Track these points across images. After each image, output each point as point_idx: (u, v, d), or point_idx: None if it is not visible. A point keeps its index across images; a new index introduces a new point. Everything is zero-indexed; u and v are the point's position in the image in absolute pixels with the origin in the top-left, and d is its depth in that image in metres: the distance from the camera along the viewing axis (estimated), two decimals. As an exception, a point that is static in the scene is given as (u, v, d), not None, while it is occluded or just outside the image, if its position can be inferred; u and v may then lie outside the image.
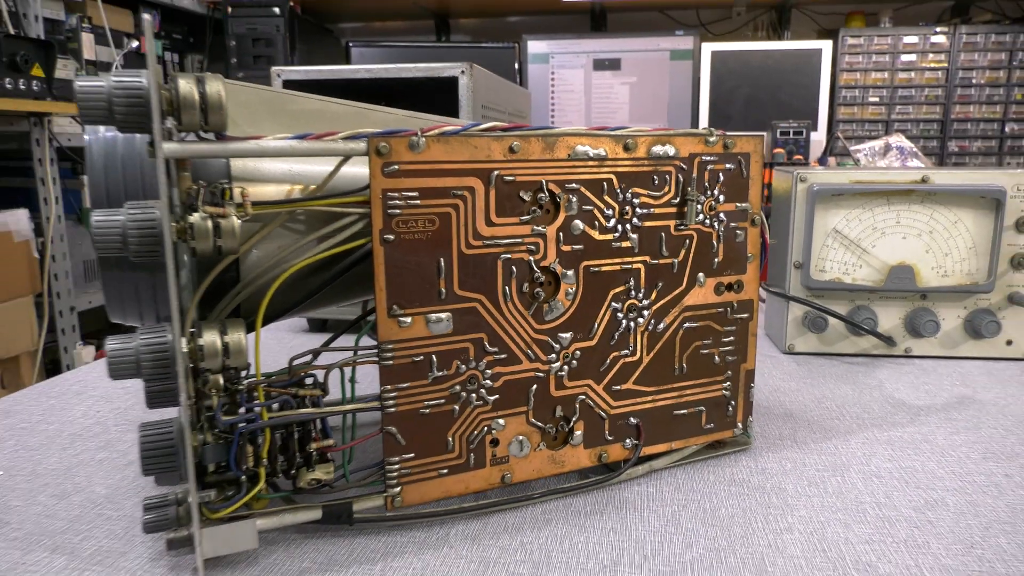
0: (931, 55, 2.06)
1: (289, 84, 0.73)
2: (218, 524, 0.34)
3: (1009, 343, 0.68)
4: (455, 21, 2.52)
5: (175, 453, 0.34)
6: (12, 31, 1.46)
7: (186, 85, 0.30)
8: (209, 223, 0.31)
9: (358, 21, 2.51)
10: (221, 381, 0.33)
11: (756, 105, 2.14)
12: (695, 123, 2.20)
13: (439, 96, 0.71)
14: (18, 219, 1.53)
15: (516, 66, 2.21)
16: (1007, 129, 2.08)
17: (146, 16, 0.29)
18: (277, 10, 1.96)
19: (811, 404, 0.57)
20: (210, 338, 0.32)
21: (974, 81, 2.06)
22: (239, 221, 0.32)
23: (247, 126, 0.36)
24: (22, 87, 1.43)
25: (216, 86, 0.30)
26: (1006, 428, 0.52)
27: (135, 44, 1.94)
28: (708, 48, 2.15)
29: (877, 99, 2.11)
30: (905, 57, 2.07)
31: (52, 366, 1.72)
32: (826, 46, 2.10)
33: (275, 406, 0.35)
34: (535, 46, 2.25)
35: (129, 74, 0.30)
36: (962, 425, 0.52)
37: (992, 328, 0.66)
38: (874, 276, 0.68)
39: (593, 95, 2.25)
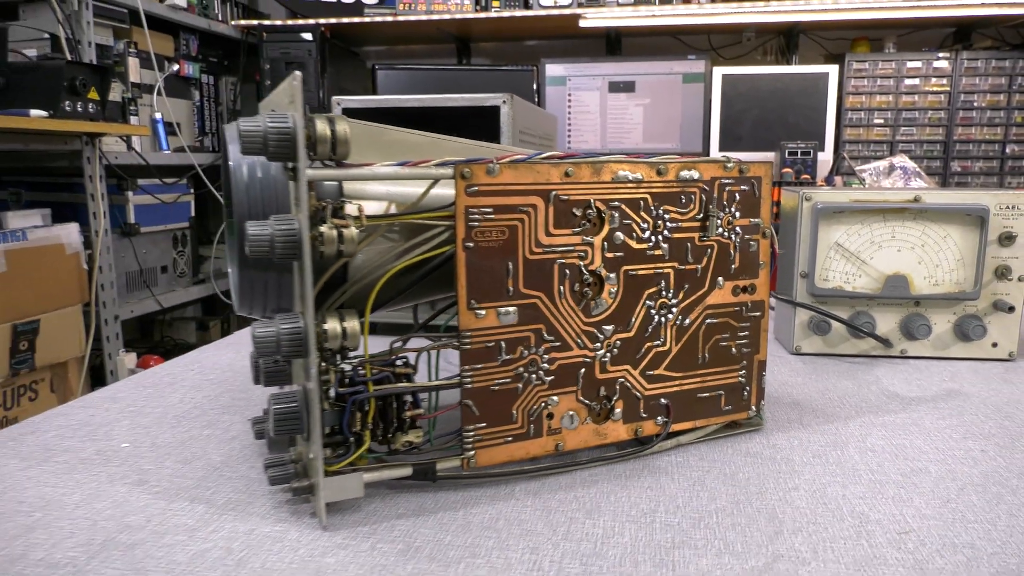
0: (934, 79, 2.14)
1: (348, 112, 0.82)
2: (332, 476, 0.42)
3: (994, 345, 0.75)
4: (476, 45, 2.62)
5: (299, 417, 0.42)
6: (70, 57, 1.57)
7: (321, 125, 0.39)
8: (335, 232, 0.39)
9: (382, 44, 2.62)
10: (338, 359, 0.42)
11: (765, 126, 2.23)
12: (707, 143, 2.28)
13: (479, 121, 0.80)
14: (69, 232, 1.63)
15: (535, 87, 2.31)
16: (1007, 150, 2.16)
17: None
18: (309, 35, 2.07)
19: (815, 395, 0.64)
20: (332, 324, 0.40)
21: (975, 104, 2.14)
22: (356, 231, 0.40)
23: (354, 154, 0.44)
24: (79, 109, 1.53)
25: (344, 126, 0.39)
26: (986, 415, 0.59)
27: (175, 68, 2.05)
28: (719, 72, 2.24)
29: (882, 121, 2.19)
30: (909, 81, 2.15)
31: (95, 372, 1.81)
32: (833, 70, 2.19)
33: (376, 381, 0.43)
34: (553, 69, 2.34)
35: (278, 117, 0.38)
36: (947, 412, 0.60)
37: (979, 331, 0.74)
38: (872, 284, 0.75)
39: (608, 116, 2.34)
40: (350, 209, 0.40)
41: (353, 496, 0.42)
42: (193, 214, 2.12)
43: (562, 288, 0.47)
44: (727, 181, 0.51)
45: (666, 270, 0.50)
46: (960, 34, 2.30)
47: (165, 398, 0.64)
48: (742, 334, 0.53)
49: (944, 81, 2.12)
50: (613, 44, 2.46)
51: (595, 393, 0.49)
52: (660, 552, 0.39)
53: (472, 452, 0.45)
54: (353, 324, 0.41)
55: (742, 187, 0.51)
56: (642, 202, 0.48)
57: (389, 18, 2.18)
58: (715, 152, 2.31)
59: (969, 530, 0.41)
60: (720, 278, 0.52)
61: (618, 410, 0.49)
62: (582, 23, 2.16)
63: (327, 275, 0.42)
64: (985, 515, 0.43)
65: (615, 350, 0.49)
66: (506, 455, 0.47)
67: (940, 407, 0.61)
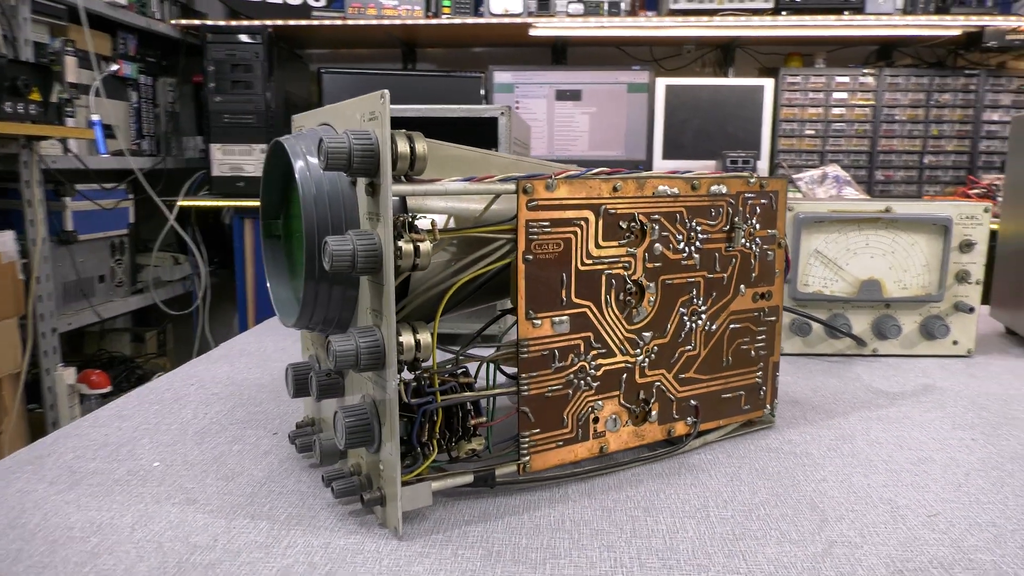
0: (860, 94, 2.28)
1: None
2: (405, 486, 0.43)
3: (955, 343, 0.82)
4: (422, 50, 2.62)
5: (372, 429, 0.42)
6: (7, 56, 1.48)
7: (402, 143, 0.40)
8: (411, 246, 0.40)
9: (326, 48, 2.59)
10: (408, 371, 0.42)
11: (706, 136, 2.32)
12: (650, 152, 2.35)
13: (478, 130, 0.81)
14: (5, 241, 1.54)
15: (483, 93, 2.33)
16: (925, 161, 2.32)
17: (385, 92, 0.38)
18: (255, 37, 2.02)
19: (809, 393, 0.69)
20: (407, 337, 0.41)
21: (897, 118, 2.29)
22: (431, 245, 0.41)
23: (413, 170, 0.45)
24: (20, 110, 1.45)
25: (422, 144, 0.40)
26: (964, 407, 0.65)
27: (114, 67, 1.96)
28: (662, 82, 2.32)
29: (813, 132, 2.32)
30: (837, 95, 2.28)
31: (29, 389, 1.71)
32: (768, 83, 2.30)
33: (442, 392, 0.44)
34: (500, 76, 2.37)
35: (362, 134, 0.39)
36: (930, 405, 0.65)
37: (943, 330, 0.80)
38: (848, 289, 0.81)
39: (556, 123, 2.38)
40: (423, 223, 0.41)
41: (423, 505, 0.43)
42: (132, 220, 2.04)
43: (608, 297, 0.49)
44: (749, 195, 0.54)
45: (697, 279, 0.53)
46: (883, 52, 2.46)
47: (177, 414, 0.63)
48: (760, 337, 0.57)
49: (870, 95, 2.26)
50: (559, 53, 2.51)
51: (635, 396, 0.51)
52: (726, 544, 0.41)
53: (527, 457, 0.47)
54: (426, 336, 0.42)
55: (762, 200, 0.55)
56: (678, 215, 0.51)
57: (338, 22, 2.15)
58: (658, 160, 2.39)
59: (987, 511, 0.45)
60: (742, 285, 0.55)
61: (654, 412, 0.52)
62: (532, 32, 2.19)
63: (395, 283, 0.43)
64: (995, 497, 0.47)
65: (652, 355, 0.51)
66: (557, 459, 0.48)
67: (922, 401, 0.67)
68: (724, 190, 0.53)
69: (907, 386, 0.71)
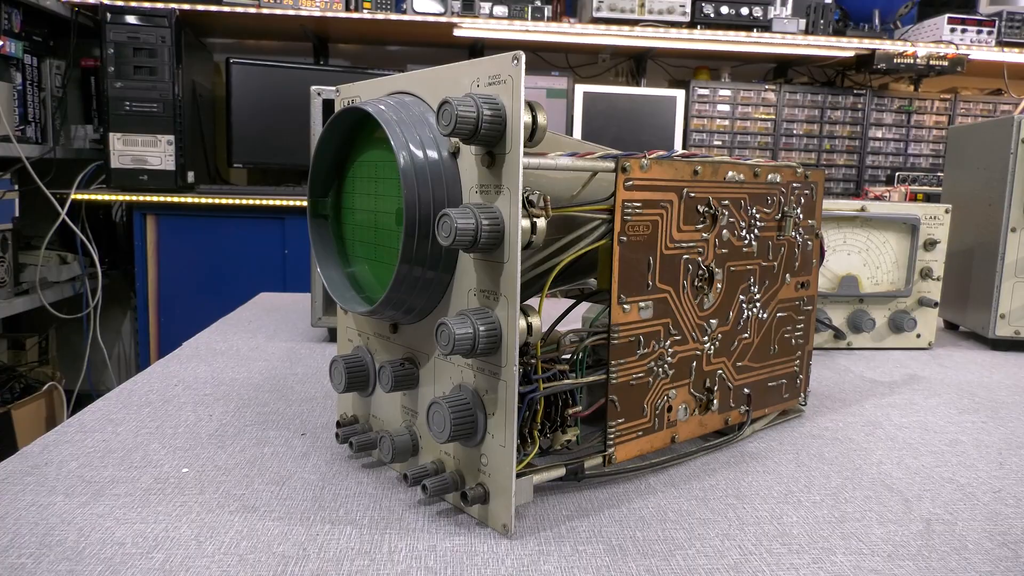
0: (762, 108, 2.42)
1: (330, 103, 0.76)
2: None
3: (919, 336, 0.88)
4: (335, 46, 2.52)
5: (475, 421, 0.39)
6: None
7: (526, 113, 0.37)
8: (528, 222, 0.38)
9: (232, 37, 2.43)
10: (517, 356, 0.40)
11: (622, 143, 2.38)
12: (571, 156, 2.38)
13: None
14: None
15: (403, 94, 2.27)
16: (820, 172, 2.49)
17: (520, 53, 0.35)
18: (159, 21, 1.87)
19: (813, 384, 0.71)
20: (520, 321, 0.38)
21: (794, 132, 2.45)
22: (545, 221, 0.39)
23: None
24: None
25: (544, 115, 0.37)
26: (956, 394, 0.69)
27: (-3, 44, 1.75)
28: (581, 89, 2.35)
29: (720, 143, 2.43)
30: (742, 108, 2.41)
31: None
32: (680, 94, 2.40)
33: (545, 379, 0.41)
34: (422, 76, 2.32)
35: (490, 101, 0.36)
36: (927, 393, 0.69)
37: (911, 324, 0.85)
38: (827, 284, 0.85)
39: (478, 126, 2.36)
40: (535, 199, 0.39)
41: (526, 500, 0.40)
42: (17, 214, 1.82)
43: (685, 283, 0.48)
44: (796, 185, 0.55)
45: (754, 266, 0.53)
46: (779, 70, 2.62)
47: (176, 417, 0.56)
48: (799, 326, 0.58)
49: (771, 110, 2.40)
50: (477, 55, 2.49)
51: (702, 385, 0.50)
52: (833, 527, 0.41)
53: (613, 448, 0.45)
54: (536, 320, 0.39)
55: (805, 191, 0.56)
56: (742, 201, 0.51)
57: (252, 9, 2.03)
58: (577, 165, 2.41)
59: (1039, 485, 0.48)
60: (787, 274, 0.56)
61: (716, 401, 0.52)
62: (457, 32, 2.16)
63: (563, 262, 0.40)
64: (1036, 473, 0.50)
65: (717, 342, 0.51)
66: (637, 449, 0.47)
67: (917, 389, 0.70)
68: (778, 179, 0.53)
69: (894, 376, 0.75)
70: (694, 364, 0.49)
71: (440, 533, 0.39)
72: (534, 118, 0.37)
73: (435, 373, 0.43)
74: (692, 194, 0.47)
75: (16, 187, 1.84)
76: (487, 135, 0.36)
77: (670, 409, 0.49)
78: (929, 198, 2.12)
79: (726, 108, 2.43)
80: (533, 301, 0.41)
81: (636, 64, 2.61)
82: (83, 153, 2.17)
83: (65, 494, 0.42)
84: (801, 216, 0.56)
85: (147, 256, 1.97)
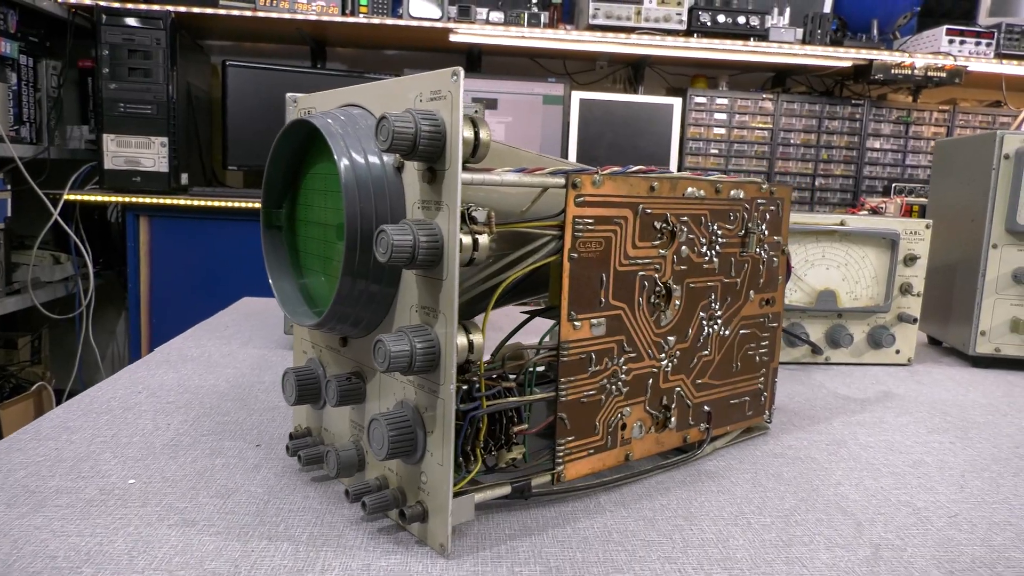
0: (759, 117, 2.42)
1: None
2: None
3: (897, 352, 0.87)
4: (332, 49, 2.53)
5: (415, 438, 0.39)
6: None
7: (467, 128, 0.36)
8: (471, 239, 0.37)
9: (229, 40, 2.44)
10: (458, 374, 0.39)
11: (618, 150, 2.38)
12: (566, 163, 2.37)
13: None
14: None
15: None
16: (816, 183, 2.49)
17: (459, 70, 0.35)
18: (154, 23, 1.87)
19: (784, 400, 0.70)
20: (460, 338, 0.38)
21: (792, 141, 2.44)
22: (488, 238, 0.38)
23: (453, 159, 0.42)
24: None
25: (487, 130, 0.37)
26: (928, 412, 0.68)
27: (-9, 45, 1.76)
28: (577, 95, 2.35)
29: (717, 151, 2.43)
30: (739, 117, 2.41)
31: None
32: (677, 102, 2.39)
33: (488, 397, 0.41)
34: (418, 81, 2.32)
35: (430, 116, 0.35)
36: (897, 411, 0.68)
37: (889, 340, 0.85)
38: (805, 299, 0.84)
39: (473, 131, 2.36)
40: (479, 215, 0.38)
41: (466, 519, 0.40)
42: (9, 213, 1.83)
43: (640, 300, 0.47)
44: (761, 201, 0.55)
45: (716, 283, 0.52)
46: (778, 79, 2.62)
47: (133, 425, 0.56)
48: (764, 343, 0.57)
49: (768, 119, 2.40)
50: (475, 61, 2.50)
51: (659, 402, 0.50)
52: (779, 551, 0.41)
53: (562, 466, 0.45)
54: (478, 337, 0.39)
55: (771, 207, 0.56)
56: (703, 218, 0.50)
57: (248, 12, 2.04)
58: (573, 172, 2.41)
59: (997, 510, 0.47)
60: (751, 291, 0.55)
61: (674, 419, 0.51)
62: (453, 37, 2.16)
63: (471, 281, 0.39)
64: (997, 496, 0.49)
65: (675, 360, 0.50)
66: (587, 468, 0.46)
67: (889, 407, 0.70)
68: (741, 195, 0.53)
69: (868, 392, 0.74)
70: (650, 381, 0.49)
71: (377, 551, 0.39)
72: (476, 134, 0.37)
73: (380, 389, 0.43)
74: (648, 210, 0.47)
75: (9, 187, 1.85)
76: (426, 151, 0.36)
77: (624, 427, 0.48)
78: (925, 210, 2.12)
79: (723, 117, 2.42)
80: (480, 318, 0.41)
81: (634, 71, 2.61)
82: (78, 154, 2.17)
83: (6, 504, 0.42)
84: (766, 232, 0.55)
85: (139, 257, 1.97)
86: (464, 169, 0.38)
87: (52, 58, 2.07)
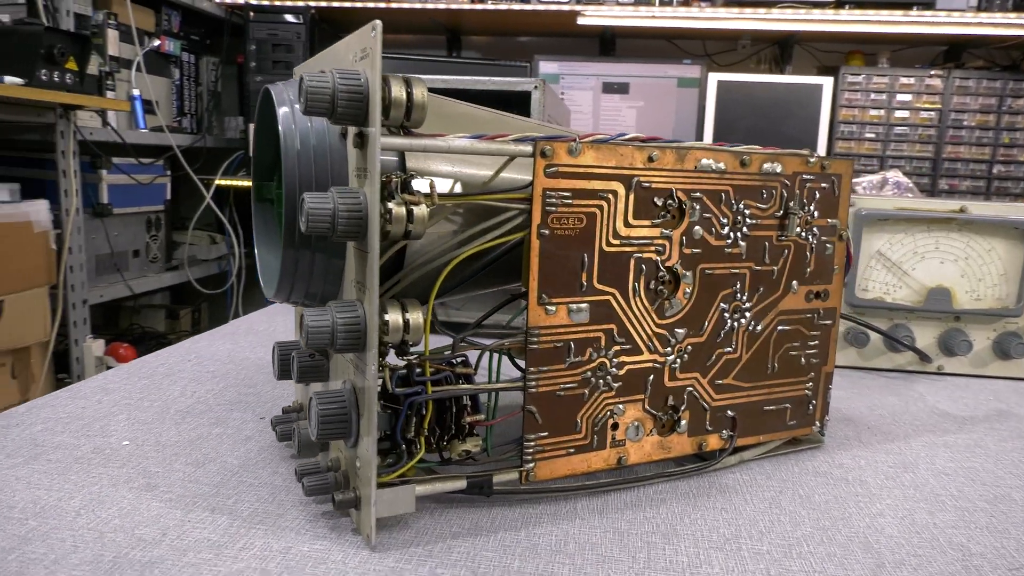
0: (925, 96, 2.15)
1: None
2: (383, 488, 0.37)
3: (1033, 364, 0.73)
4: (467, 38, 2.57)
5: (348, 420, 0.37)
6: (44, 24, 1.48)
7: (397, 87, 0.33)
8: (403, 210, 0.34)
9: (371, 33, 2.55)
10: (396, 355, 0.36)
11: (758, 135, 2.22)
12: (699, 149, 2.26)
13: (507, 107, 0.75)
14: (39, 210, 1.53)
15: (527, 85, 2.26)
16: (994, 171, 2.18)
17: (377, 23, 0.32)
18: (297, 17, 1.99)
19: (865, 411, 0.61)
20: (394, 316, 0.35)
21: (965, 123, 2.16)
22: (427, 210, 0.35)
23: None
24: (56, 79, 1.44)
25: (422, 89, 0.34)
26: (1048, 438, 0.56)
27: (156, 43, 1.96)
28: (714, 78, 2.22)
29: (873, 135, 2.20)
30: (901, 97, 2.16)
31: (59, 359, 1.71)
32: (827, 82, 2.19)
33: (435, 382, 0.38)
34: (547, 66, 2.30)
35: (349, 74, 0.33)
36: (1007, 434, 0.57)
37: (1020, 350, 0.71)
38: (913, 297, 0.72)
39: (601, 117, 2.30)
40: (419, 185, 0.35)
41: (404, 511, 0.37)
42: (169, 197, 2.03)
43: (636, 285, 0.42)
44: (808, 177, 0.47)
45: (742, 270, 0.45)
46: (951, 53, 2.32)
47: (163, 391, 0.58)
48: (812, 343, 0.49)
49: (936, 99, 2.13)
50: (608, 45, 2.43)
51: (662, 402, 0.44)
52: (760, 586, 0.34)
53: (532, 464, 0.40)
54: (416, 316, 0.36)
55: (822, 184, 0.48)
56: (723, 195, 0.44)
57: (382, 4, 2.11)
58: (707, 159, 2.29)
59: (1084, 567, 0.37)
60: (794, 282, 0.48)
61: (684, 421, 0.45)
62: (580, 20, 2.12)
63: (384, 258, 0.37)
64: (1092, 550, 0.39)
65: (685, 356, 0.44)
66: (567, 468, 0.42)
67: (996, 428, 0.58)
68: (779, 169, 0.46)
69: (978, 410, 0.63)
70: (651, 378, 0.43)
71: (308, 536, 0.37)
72: (409, 94, 0.34)
73: (337, 368, 0.41)
74: (646, 184, 0.41)
75: (168, 173, 2.04)
76: (347, 112, 0.33)
77: (616, 427, 0.43)
78: None
79: (881, 97, 2.19)
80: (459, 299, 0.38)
81: (780, 50, 2.42)
82: (232, 142, 2.36)
83: (7, 455, 0.45)
84: (815, 214, 0.47)
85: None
86: (401, 133, 0.35)
87: (211, 55, 2.26)
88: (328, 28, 2.21)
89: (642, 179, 0.41)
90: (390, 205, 0.34)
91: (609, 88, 2.33)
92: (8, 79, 1.33)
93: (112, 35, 1.78)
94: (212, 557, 0.34)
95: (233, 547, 0.35)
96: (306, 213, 0.33)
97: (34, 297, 1.56)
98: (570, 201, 0.39)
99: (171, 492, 0.41)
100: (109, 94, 1.80)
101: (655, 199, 0.42)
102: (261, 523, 0.38)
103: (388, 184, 0.35)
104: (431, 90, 0.76)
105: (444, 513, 0.40)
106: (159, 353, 0.69)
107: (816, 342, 0.49)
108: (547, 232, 0.39)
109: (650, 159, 0.41)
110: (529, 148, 0.38)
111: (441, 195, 0.36)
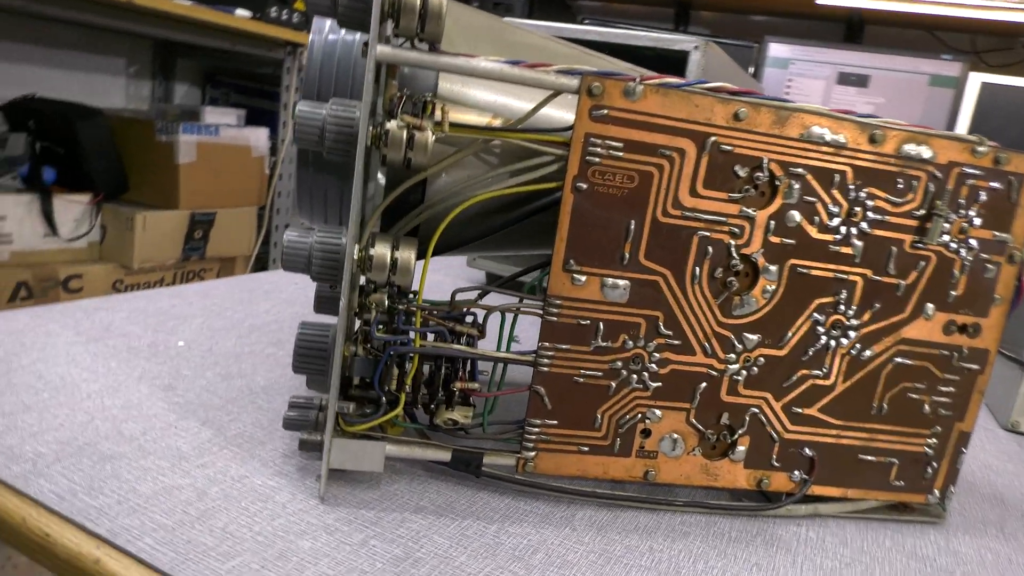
0: None
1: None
2: (350, 438, 0.33)
3: None
4: (696, 13, 2.43)
5: (327, 356, 0.34)
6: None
7: (407, -13, 0.29)
8: (404, 133, 0.30)
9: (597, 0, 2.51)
10: (383, 297, 0.33)
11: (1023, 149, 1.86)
12: (941, 159, 1.95)
13: (662, 70, 0.67)
14: (259, 136, 1.70)
15: (751, 68, 2.09)
16: None
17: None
18: (521, -22, 2.00)
19: (1019, 493, 0.47)
20: (381, 251, 0.31)
21: None
22: (433, 137, 0.30)
23: (464, 46, 0.35)
24: (284, 17, 1.58)
25: (440, -4, 0.29)
26: None
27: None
28: (977, 78, 1.89)
29: None
30: None
31: (261, 269, 1.90)
32: None
33: (430, 336, 0.34)
34: (776, 49, 2.10)
35: (358, -33, 0.29)
36: None
37: None
38: None
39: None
40: (424, 108, 0.31)
41: (368, 468, 0.33)
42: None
43: (698, 270, 0.34)
44: (972, 171, 0.35)
45: (852, 278, 0.36)
46: None
47: (254, 305, 0.59)
48: (945, 388, 0.38)
49: None
50: (854, 31, 2.17)
51: (714, 418, 0.36)
52: (745, 673, 0.26)
53: (533, 453, 0.35)
54: (407, 255, 0.31)
55: (992, 184, 0.36)
56: (838, 176, 0.34)
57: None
58: (949, 172, 1.97)
59: None
60: (930, 305, 0.37)
61: (741, 448, 0.37)
62: (820, 0, 1.90)
63: (398, 192, 0.33)
64: None
65: (755, 368, 0.36)
66: (577, 468, 0.36)
67: None
68: (927, 154, 0.35)
69: None
70: (702, 386, 0.36)
71: (271, 470, 0.35)
72: (424, 1, 0.29)
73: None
74: (726, 147, 0.33)
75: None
76: (349, 14, 0.29)
77: (647, 434, 0.36)
78: None
79: None
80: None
81: (1074, 54, 2.00)
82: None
83: (78, 332, 0.48)
84: (975, 221, 0.36)
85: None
86: (410, 47, 0.30)
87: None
88: (552, -8, 2.19)
89: (722, 140, 0.33)
90: (388, 126, 0.30)
91: (845, 79, 2.08)
92: (239, 12, 1.47)
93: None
94: (167, 467, 0.33)
95: (193, 462, 0.34)
96: (296, 121, 0.30)
97: (244, 214, 1.74)
98: (620, 154, 0.32)
99: (182, 397, 0.41)
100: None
101: (737, 168, 0.33)
102: (238, 446, 0.36)
103: (396, 103, 0.31)
104: (579, 41, 0.70)
105: (424, 484, 0.36)
106: (277, 271, 0.71)
107: (951, 389, 0.38)
108: (585, 186, 0.32)
109: (736, 116, 0.33)
110: (575, 82, 0.32)
111: (455, 125, 0.31)
